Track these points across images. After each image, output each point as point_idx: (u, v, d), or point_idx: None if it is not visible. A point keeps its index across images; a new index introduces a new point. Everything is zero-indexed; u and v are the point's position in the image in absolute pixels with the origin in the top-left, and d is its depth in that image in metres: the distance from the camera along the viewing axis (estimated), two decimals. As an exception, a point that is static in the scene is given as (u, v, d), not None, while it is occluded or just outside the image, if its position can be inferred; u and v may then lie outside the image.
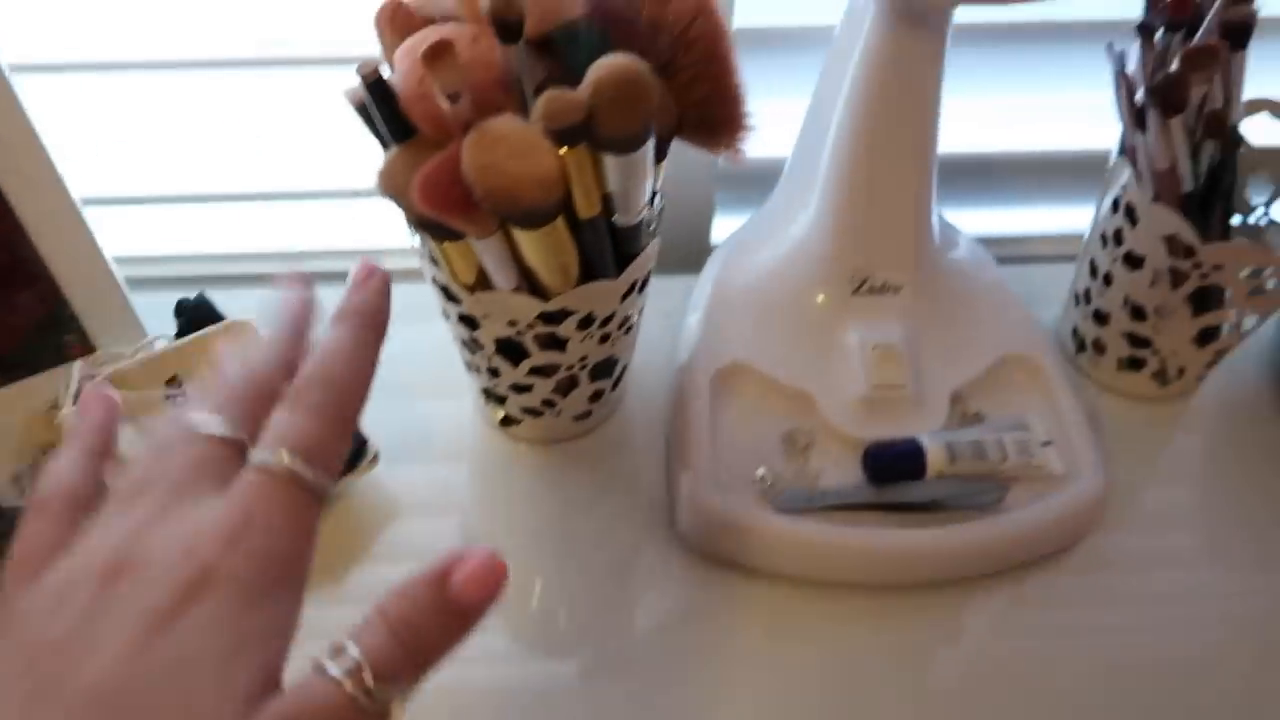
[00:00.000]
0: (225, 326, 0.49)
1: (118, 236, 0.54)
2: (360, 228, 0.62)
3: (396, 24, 0.39)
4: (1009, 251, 0.69)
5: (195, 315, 0.51)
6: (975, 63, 0.61)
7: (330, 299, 0.29)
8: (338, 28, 0.49)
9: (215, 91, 0.58)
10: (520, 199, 0.36)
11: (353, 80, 0.38)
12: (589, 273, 0.42)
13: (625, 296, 0.45)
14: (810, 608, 0.48)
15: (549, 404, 0.50)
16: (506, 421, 0.53)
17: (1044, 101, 0.64)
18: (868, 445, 0.49)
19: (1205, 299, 0.50)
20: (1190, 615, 0.48)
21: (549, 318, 0.43)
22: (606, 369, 0.50)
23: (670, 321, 0.57)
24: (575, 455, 0.54)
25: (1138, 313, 0.52)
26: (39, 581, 0.23)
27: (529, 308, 0.42)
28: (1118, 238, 0.51)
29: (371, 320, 0.28)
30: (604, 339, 0.47)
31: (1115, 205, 0.51)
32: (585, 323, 0.45)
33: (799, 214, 0.54)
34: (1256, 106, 0.53)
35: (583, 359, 0.47)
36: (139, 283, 0.56)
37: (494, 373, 0.48)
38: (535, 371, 0.47)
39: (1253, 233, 0.56)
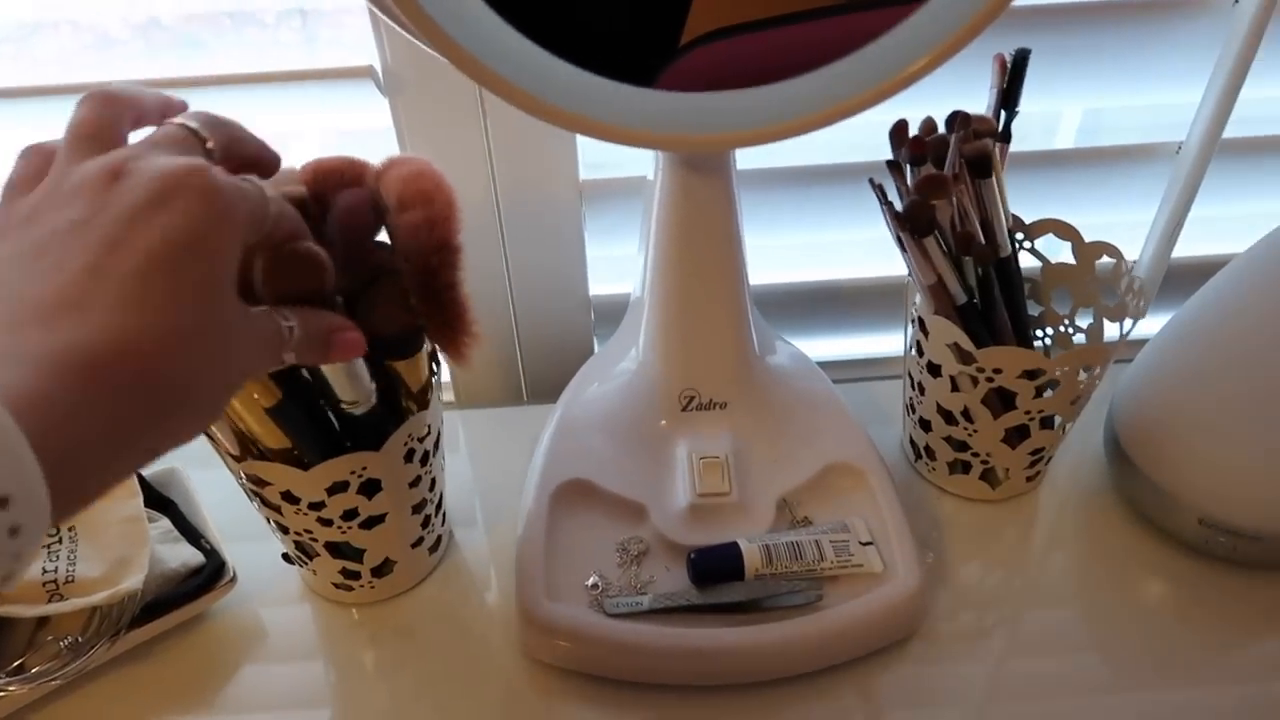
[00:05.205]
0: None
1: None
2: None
3: None
4: (872, 372, 0.74)
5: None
6: (843, 196, 0.67)
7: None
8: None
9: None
10: None
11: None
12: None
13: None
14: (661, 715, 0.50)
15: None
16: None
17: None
18: (692, 549, 0.52)
19: (1005, 402, 0.54)
20: (1033, 707, 0.50)
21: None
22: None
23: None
24: (424, 600, 0.56)
25: (950, 418, 0.56)
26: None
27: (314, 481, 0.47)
28: (919, 349, 0.56)
29: None
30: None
31: (913, 320, 0.56)
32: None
33: (634, 342, 0.59)
34: (1044, 227, 0.59)
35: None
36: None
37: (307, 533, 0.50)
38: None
39: (1064, 342, 0.61)
